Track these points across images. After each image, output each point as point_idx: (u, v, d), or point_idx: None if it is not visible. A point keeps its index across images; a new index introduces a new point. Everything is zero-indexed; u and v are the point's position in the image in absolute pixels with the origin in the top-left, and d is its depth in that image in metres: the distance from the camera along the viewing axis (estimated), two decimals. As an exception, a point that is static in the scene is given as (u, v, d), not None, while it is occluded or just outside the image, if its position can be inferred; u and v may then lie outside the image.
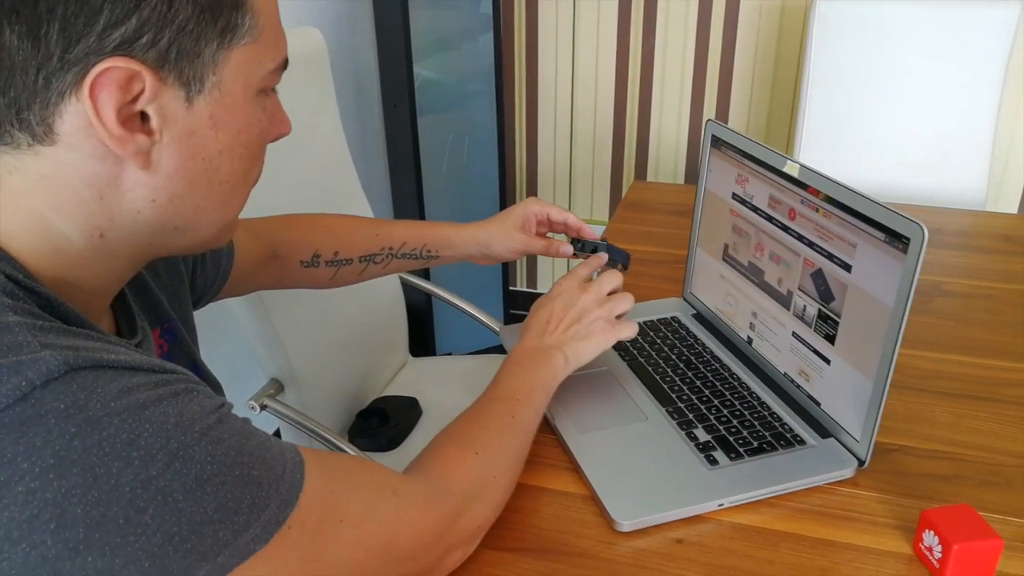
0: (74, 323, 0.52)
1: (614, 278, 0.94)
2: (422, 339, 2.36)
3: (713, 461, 0.83)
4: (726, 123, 2.27)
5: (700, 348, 1.02)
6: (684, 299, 1.14)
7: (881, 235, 0.77)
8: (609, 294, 0.92)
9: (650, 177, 2.39)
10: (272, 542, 0.53)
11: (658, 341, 1.04)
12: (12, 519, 0.43)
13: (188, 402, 0.51)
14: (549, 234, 1.07)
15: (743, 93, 2.24)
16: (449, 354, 2.35)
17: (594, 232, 1.04)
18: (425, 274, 2.06)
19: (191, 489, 0.48)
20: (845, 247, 0.82)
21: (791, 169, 0.88)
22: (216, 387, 0.80)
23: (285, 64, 0.61)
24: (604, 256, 0.99)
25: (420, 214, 2.21)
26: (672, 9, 2.20)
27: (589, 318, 0.89)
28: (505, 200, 2.37)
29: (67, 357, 0.46)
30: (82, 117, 0.50)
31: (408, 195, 2.21)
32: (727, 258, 1.03)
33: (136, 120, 0.52)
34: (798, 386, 0.91)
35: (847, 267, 0.82)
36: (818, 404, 0.88)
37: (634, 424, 0.89)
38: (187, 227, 0.58)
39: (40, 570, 0.44)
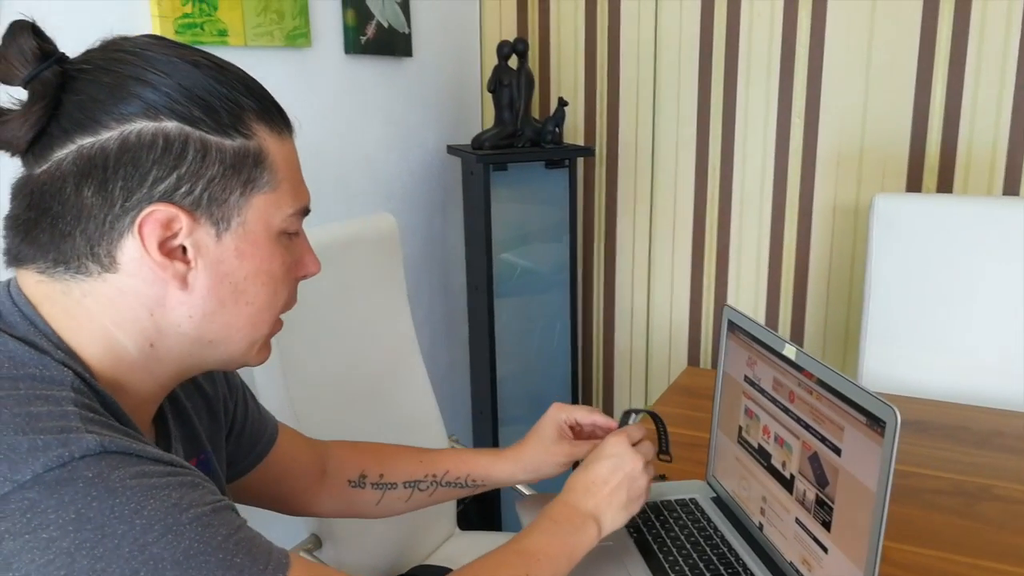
0: (121, 419, 0.63)
1: (651, 446, 0.96)
2: (488, 512, 2.36)
3: (698, 644, 0.81)
4: (803, 321, 2.29)
5: (711, 532, 1.01)
6: (707, 482, 1.14)
7: (863, 418, 0.78)
8: None
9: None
10: None
11: (670, 521, 1.03)
12: (33, 561, 0.52)
13: (191, 490, 0.60)
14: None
15: (818, 290, 2.26)
16: (498, 530, 2.31)
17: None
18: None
19: (178, 561, 0.56)
20: (835, 430, 0.83)
21: (789, 352, 0.91)
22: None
23: (305, 211, 0.73)
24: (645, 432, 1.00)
25: (492, 385, 2.27)
26: (746, 210, 2.29)
27: (635, 486, 0.91)
28: (577, 380, 2.41)
29: (103, 441, 0.57)
30: (136, 249, 0.63)
31: (482, 366, 2.29)
32: (741, 440, 1.03)
33: (177, 251, 0.65)
34: (800, 574, 0.88)
35: (838, 451, 0.82)
36: (818, 595, 0.85)
37: (626, 600, 0.88)
38: (219, 341, 0.70)
39: None
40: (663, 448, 1.12)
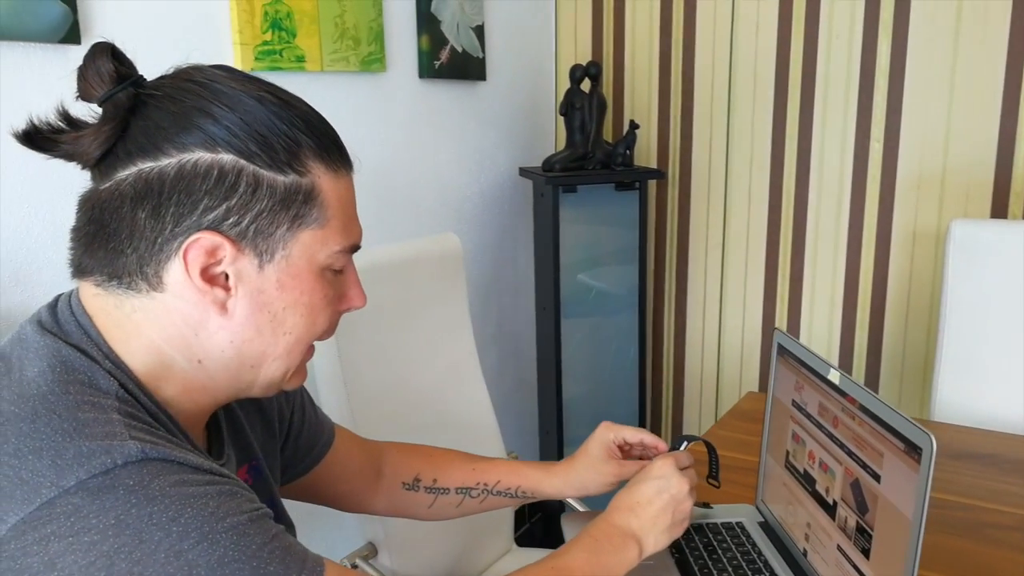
0: (167, 427, 0.67)
1: (695, 474, 0.96)
2: (553, 530, 2.36)
3: (729, 667, 0.80)
4: (879, 350, 2.22)
5: (755, 556, 1.00)
6: (756, 507, 1.12)
7: (901, 444, 0.76)
8: None
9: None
10: None
11: (714, 544, 1.03)
12: (76, 563, 0.56)
13: (229, 499, 0.63)
14: None
15: (896, 318, 2.20)
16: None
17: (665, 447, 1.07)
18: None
19: (213, 568, 0.59)
20: (875, 456, 0.81)
21: (833, 377, 0.90)
22: (289, 527, 0.90)
23: (355, 249, 0.75)
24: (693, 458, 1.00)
25: (559, 404, 2.29)
26: (821, 235, 2.25)
27: (680, 510, 0.91)
28: (645, 402, 2.40)
29: (145, 449, 0.60)
30: (180, 273, 0.66)
31: (549, 386, 2.31)
32: (788, 465, 1.02)
33: (219, 277, 0.68)
34: (842, 604, 0.87)
35: (877, 477, 0.81)
36: (857, 625, 0.83)
37: (660, 619, 0.88)
38: (258, 366, 0.72)
39: None
40: (712, 473, 1.11)
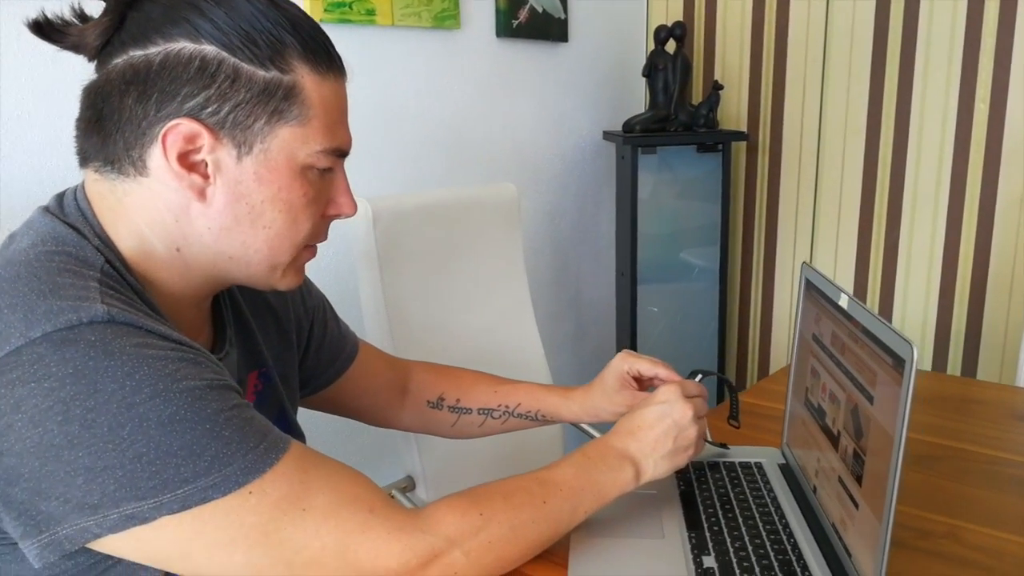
0: (149, 306, 0.70)
1: (704, 404, 0.94)
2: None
3: (704, 585, 0.78)
4: (980, 324, 2.07)
5: (764, 494, 0.96)
6: (781, 450, 1.08)
7: (889, 359, 0.72)
8: None
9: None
10: (231, 498, 0.64)
11: (725, 480, 1.00)
12: (37, 406, 0.60)
13: (191, 366, 0.65)
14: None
15: (999, 291, 2.04)
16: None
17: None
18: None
19: (163, 423, 0.62)
20: (871, 377, 0.77)
21: (843, 302, 0.86)
22: (300, 437, 0.94)
23: (339, 153, 0.77)
24: (706, 390, 0.98)
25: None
26: (919, 205, 2.12)
27: (683, 436, 0.88)
28: (724, 370, 2.33)
29: (113, 312, 0.64)
30: (160, 157, 0.70)
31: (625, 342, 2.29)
32: (807, 403, 0.98)
33: (199, 165, 0.71)
34: (839, 536, 0.83)
35: (871, 399, 0.76)
36: (850, 555, 0.79)
37: (647, 540, 0.87)
38: (239, 258, 0.75)
39: (48, 453, 0.60)
40: (733, 414, 1.08)
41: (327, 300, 1.06)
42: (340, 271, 1.64)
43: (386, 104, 1.78)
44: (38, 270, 0.66)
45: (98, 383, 0.61)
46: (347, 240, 1.36)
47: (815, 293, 0.97)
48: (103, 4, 0.72)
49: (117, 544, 0.63)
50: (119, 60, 0.70)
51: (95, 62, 0.73)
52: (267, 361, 0.92)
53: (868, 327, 0.78)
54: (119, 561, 0.66)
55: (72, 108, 0.75)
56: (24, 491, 0.61)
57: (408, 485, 1.38)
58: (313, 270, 1.11)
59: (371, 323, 1.36)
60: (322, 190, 0.77)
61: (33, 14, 0.71)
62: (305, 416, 1.10)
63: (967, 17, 1.98)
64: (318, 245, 0.82)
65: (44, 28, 0.72)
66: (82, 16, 0.73)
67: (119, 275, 0.70)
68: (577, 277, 2.43)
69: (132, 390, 0.61)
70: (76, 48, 0.72)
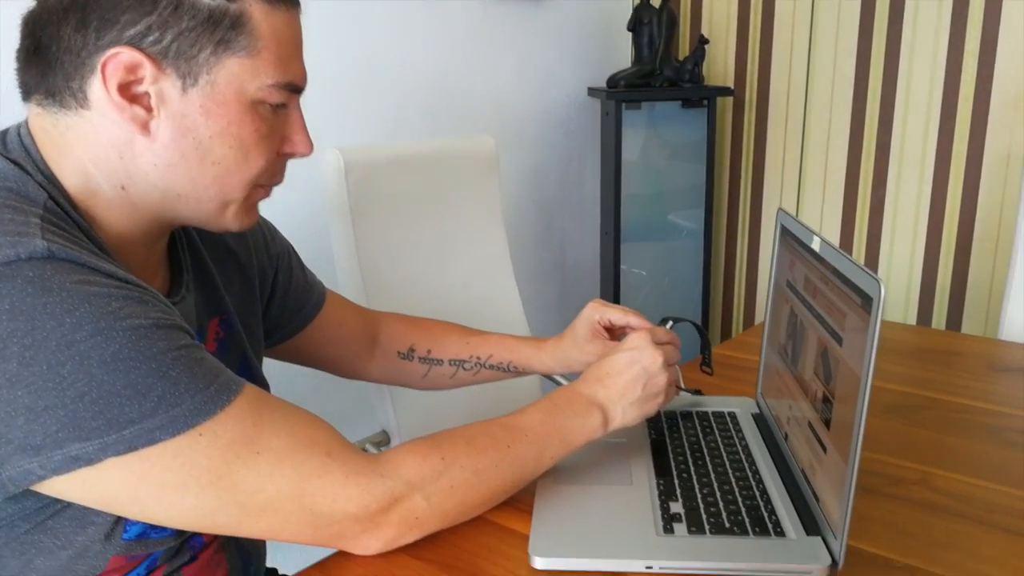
0: (96, 244, 0.68)
1: (676, 351, 0.92)
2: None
3: (669, 530, 0.77)
4: (965, 280, 2.05)
5: (735, 441, 0.95)
6: (756, 400, 1.07)
7: (858, 299, 0.70)
8: None
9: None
10: (179, 439, 0.62)
11: (697, 428, 0.99)
12: None
13: (136, 304, 0.63)
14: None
15: (985, 246, 2.03)
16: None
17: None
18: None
19: (106, 362, 0.59)
20: (839, 318, 0.75)
21: (815, 244, 0.84)
22: (264, 386, 0.92)
23: (293, 88, 0.73)
24: (677, 338, 0.96)
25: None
26: (906, 159, 2.10)
27: (652, 383, 0.87)
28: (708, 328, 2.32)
29: (53, 249, 0.61)
30: (101, 88, 0.67)
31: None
32: (781, 351, 0.97)
33: (142, 97, 0.68)
34: (808, 481, 0.82)
35: (840, 340, 0.75)
36: (818, 500, 0.78)
37: (615, 487, 0.85)
38: (187, 196, 0.72)
39: None
40: (706, 360, 1.07)
41: (293, 248, 1.04)
42: (313, 224, 1.61)
43: (365, 55, 1.75)
44: None
45: (36, 320, 0.58)
46: (319, 192, 1.33)
47: (790, 239, 0.96)
48: None
49: (63, 487, 0.61)
50: None
51: None
52: (228, 308, 0.89)
53: (838, 267, 0.76)
54: (68, 505, 0.65)
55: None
56: None
57: (383, 439, 1.37)
58: (284, 222, 1.08)
59: (344, 277, 1.34)
60: (276, 127, 0.74)
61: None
62: (278, 370, 1.08)
63: (957, -32, 1.95)
64: (286, 196, 0.80)
65: None
66: None
67: (64, 212, 0.67)
68: (562, 237, 2.41)
69: (72, 327, 0.59)
70: None
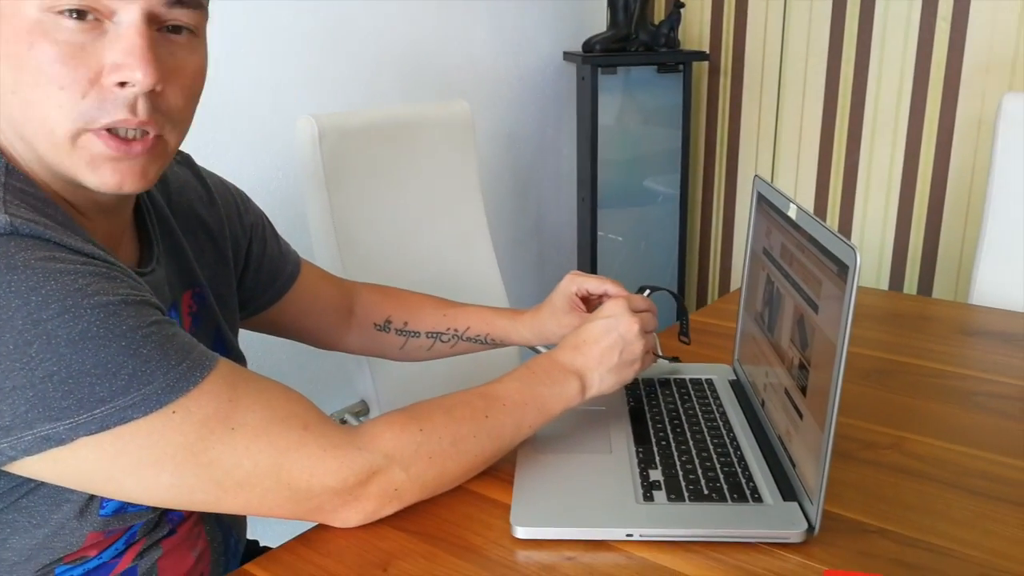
0: (56, 214, 0.64)
1: (652, 318, 0.93)
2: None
3: (649, 498, 0.78)
4: (936, 244, 2.08)
5: (713, 408, 0.96)
6: (732, 367, 1.08)
7: (834, 267, 0.71)
8: None
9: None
10: (153, 417, 0.61)
11: (675, 395, 0.99)
12: None
13: (104, 281, 0.61)
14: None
15: (957, 210, 2.05)
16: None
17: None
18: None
19: (74, 341, 0.58)
20: (816, 286, 0.76)
21: (791, 212, 0.84)
22: (240, 359, 0.91)
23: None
24: (654, 305, 0.96)
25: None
26: (879, 124, 2.11)
27: (629, 350, 0.87)
28: (685, 293, 2.34)
29: (15, 223, 0.59)
30: None
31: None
32: (757, 318, 0.97)
33: None
34: (785, 448, 0.83)
35: (816, 307, 0.75)
36: (794, 465, 0.79)
37: (594, 455, 0.86)
38: (26, 137, 0.65)
39: None
40: (683, 330, 1.08)
41: (267, 218, 1.02)
42: (287, 192, 1.59)
43: (336, 16, 1.71)
44: None
45: (1, 299, 0.57)
46: (293, 160, 1.31)
47: (766, 206, 0.96)
48: None
49: (35, 467, 0.61)
50: None
51: None
52: (201, 280, 0.88)
53: (814, 235, 0.77)
54: (42, 484, 0.64)
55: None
56: None
57: (362, 409, 1.37)
58: (258, 191, 1.07)
59: (320, 246, 1.32)
60: (87, 48, 0.63)
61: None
62: (255, 341, 1.07)
63: (932, -69, 1.94)
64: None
65: None
66: None
67: (25, 179, 0.65)
68: (538, 203, 2.40)
69: (38, 306, 0.58)
70: None
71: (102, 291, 0.61)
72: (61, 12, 0.62)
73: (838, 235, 0.71)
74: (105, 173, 0.66)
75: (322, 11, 1.68)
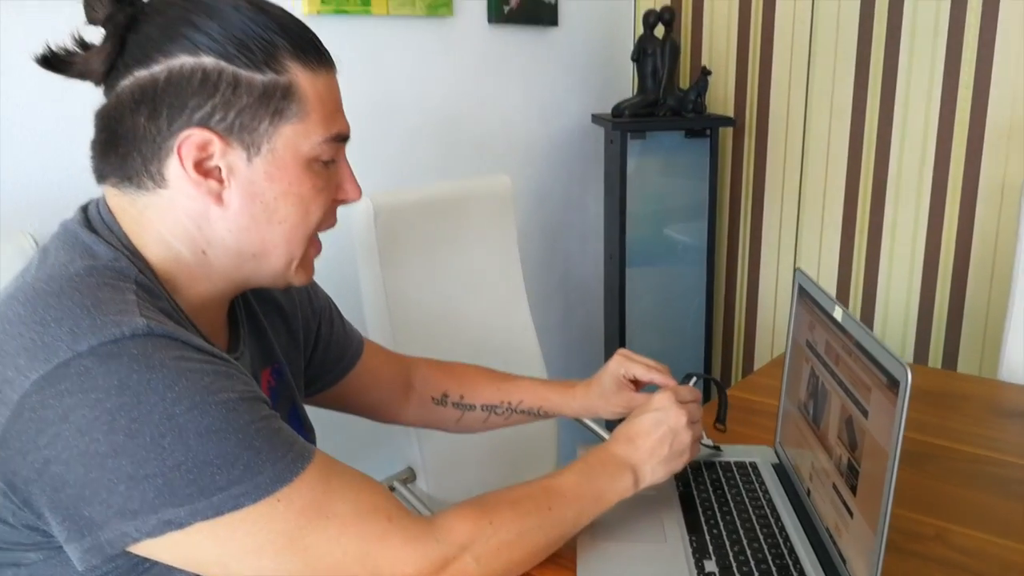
0: (176, 313, 0.74)
1: (698, 408, 0.98)
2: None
3: (706, 590, 0.82)
4: (962, 308, 2.11)
5: (760, 495, 1.00)
6: (774, 449, 1.12)
7: (884, 378, 0.75)
8: None
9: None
10: (260, 505, 0.67)
11: (722, 480, 1.03)
12: (84, 416, 0.63)
13: (224, 379, 0.69)
14: None
15: (981, 276, 2.09)
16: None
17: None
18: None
19: (201, 434, 0.65)
20: (864, 391, 0.80)
21: (837, 314, 0.89)
22: (310, 433, 0.97)
23: (340, 138, 0.79)
24: (699, 395, 1.02)
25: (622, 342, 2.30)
26: (903, 188, 2.16)
27: (678, 442, 0.92)
28: (711, 354, 2.38)
29: (152, 326, 0.67)
30: (178, 168, 0.73)
31: (613, 334, 2.32)
32: (801, 407, 1.01)
33: (214, 171, 0.74)
34: (834, 542, 0.87)
35: (865, 412, 0.80)
36: (844, 562, 0.83)
37: (650, 544, 0.90)
38: (260, 255, 0.78)
39: (93, 461, 0.63)
40: (720, 417, 1.12)
41: (332, 301, 1.08)
42: (342, 266, 1.65)
43: (381, 95, 1.78)
44: (79, 284, 0.68)
45: (141, 395, 0.64)
46: (349, 235, 1.37)
47: (808, 300, 1.00)
48: (102, 31, 0.73)
49: (154, 548, 0.66)
50: (126, 82, 0.73)
51: (103, 86, 0.75)
52: (279, 358, 0.95)
53: (863, 343, 0.81)
54: (155, 563, 0.69)
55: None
56: (69, 497, 0.64)
57: (408, 476, 1.41)
58: (316, 265, 1.13)
59: (372, 317, 1.38)
60: (328, 179, 0.80)
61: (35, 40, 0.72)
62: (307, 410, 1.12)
63: (951, 3, 2.00)
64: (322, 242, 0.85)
65: (51, 60, 0.73)
66: (83, 44, 0.74)
67: (150, 285, 0.73)
68: (565, 259, 2.45)
69: (173, 402, 0.64)
70: (83, 75, 0.74)
71: (224, 388, 0.68)
72: (331, 142, 0.78)
73: (886, 347, 0.76)
74: (304, 274, 0.83)
75: (369, 89, 1.75)
